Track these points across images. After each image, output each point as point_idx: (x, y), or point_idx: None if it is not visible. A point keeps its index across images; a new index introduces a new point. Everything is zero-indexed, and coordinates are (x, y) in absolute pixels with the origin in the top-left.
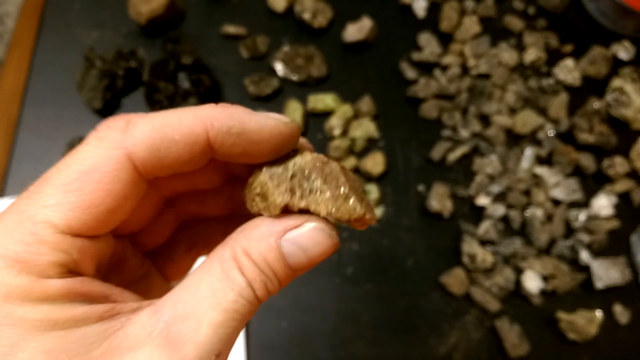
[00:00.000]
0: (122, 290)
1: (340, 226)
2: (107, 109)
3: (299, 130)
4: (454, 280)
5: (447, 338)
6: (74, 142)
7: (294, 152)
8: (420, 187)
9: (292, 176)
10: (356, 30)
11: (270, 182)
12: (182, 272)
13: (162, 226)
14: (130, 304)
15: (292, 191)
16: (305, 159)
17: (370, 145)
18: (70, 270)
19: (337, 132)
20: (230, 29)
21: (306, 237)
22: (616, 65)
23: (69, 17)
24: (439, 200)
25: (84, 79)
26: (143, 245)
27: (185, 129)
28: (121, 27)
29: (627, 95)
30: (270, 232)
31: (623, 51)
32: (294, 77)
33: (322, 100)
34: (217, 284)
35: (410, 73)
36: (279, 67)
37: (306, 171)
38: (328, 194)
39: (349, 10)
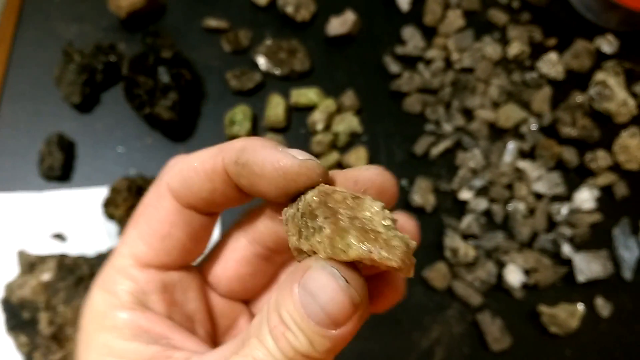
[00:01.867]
0: (185, 334)
1: None
2: (86, 103)
3: (317, 169)
4: (437, 274)
5: (430, 332)
6: (52, 138)
7: (312, 188)
8: (403, 182)
9: (302, 215)
10: (339, 24)
11: (285, 226)
12: None
13: (259, 280)
14: (179, 354)
15: (299, 233)
16: (312, 194)
17: (353, 139)
18: (140, 301)
19: (319, 126)
20: (212, 22)
21: (312, 278)
22: (600, 59)
23: (48, 11)
24: (422, 194)
25: (62, 73)
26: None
27: (206, 160)
28: (101, 21)
29: (610, 89)
30: (291, 279)
31: (606, 45)
32: (277, 71)
33: (305, 95)
34: (248, 333)
35: (393, 67)
36: (262, 61)
37: (312, 207)
38: (328, 231)
39: (333, 3)
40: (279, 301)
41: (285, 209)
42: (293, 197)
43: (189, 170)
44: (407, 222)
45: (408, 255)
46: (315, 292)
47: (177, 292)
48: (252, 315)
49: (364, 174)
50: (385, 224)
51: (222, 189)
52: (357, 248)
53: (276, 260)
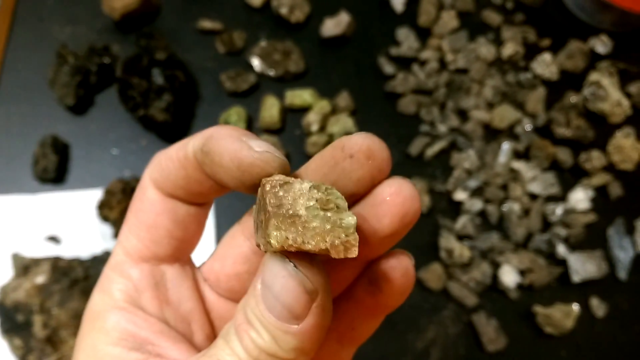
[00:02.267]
0: (172, 340)
1: None
2: (80, 105)
3: (273, 162)
4: (432, 275)
5: (425, 333)
6: (46, 140)
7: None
8: None
9: (258, 210)
10: (334, 25)
11: (252, 222)
12: None
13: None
14: None
15: (256, 227)
16: (259, 190)
17: None
18: (134, 300)
19: (314, 127)
20: (207, 23)
21: (267, 270)
22: (594, 60)
23: (42, 13)
24: None
25: (56, 75)
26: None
27: (178, 149)
28: (95, 22)
29: (604, 89)
30: (257, 274)
31: (600, 45)
32: (271, 73)
33: (300, 96)
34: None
35: (388, 68)
36: (256, 63)
37: (259, 201)
38: (261, 222)
39: (327, 5)
40: (245, 299)
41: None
42: (253, 188)
43: (166, 159)
44: (377, 149)
45: (335, 233)
46: (270, 283)
47: (171, 288)
48: None
49: (350, 139)
50: (310, 205)
51: (195, 176)
52: (274, 237)
53: None
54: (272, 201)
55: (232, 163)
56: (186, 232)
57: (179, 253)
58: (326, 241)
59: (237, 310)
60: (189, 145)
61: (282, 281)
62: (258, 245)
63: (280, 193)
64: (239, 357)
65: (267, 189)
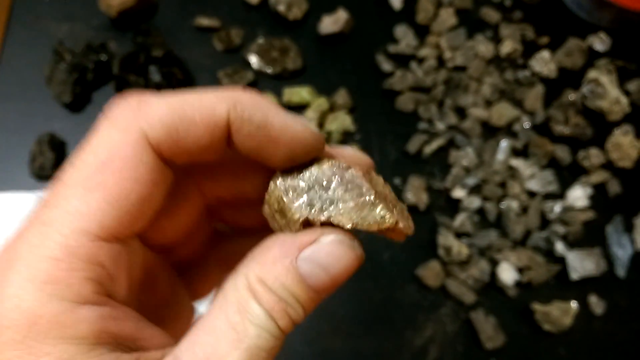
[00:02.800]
0: (151, 328)
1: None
2: (77, 103)
3: (323, 142)
4: (430, 272)
5: (423, 331)
6: (43, 137)
7: (310, 161)
8: (397, 180)
9: (309, 188)
10: (332, 22)
11: (285, 197)
12: (210, 291)
13: (197, 237)
14: (153, 353)
15: (310, 204)
16: (322, 168)
17: (346, 138)
18: (106, 290)
19: (312, 125)
20: (204, 21)
21: (325, 253)
22: (592, 57)
23: (38, 10)
24: (415, 193)
25: (53, 72)
26: (176, 259)
27: (206, 110)
28: (92, 20)
29: (603, 87)
30: (285, 252)
31: (599, 43)
32: (269, 70)
33: (298, 93)
34: (235, 317)
35: (386, 65)
36: (254, 60)
37: (324, 181)
38: (351, 203)
39: (325, 2)
40: (278, 279)
41: (280, 179)
42: (289, 163)
43: (183, 119)
44: (360, 159)
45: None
46: (327, 263)
47: (137, 268)
48: (168, 268)
49: (341, 152)
50: (393, 195)
51: (219, 145)
52: (389, 217)
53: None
54: (379, 182)
55: (293, 142)
56: (181, 218)
57: (159, 237)
58: (410, 227)
59: (251, 285)
60: (222, 110)
61: (346, 263)
62: (295, 222)
63: (369, 179)
64: (276, 338)
65: (356, 172)
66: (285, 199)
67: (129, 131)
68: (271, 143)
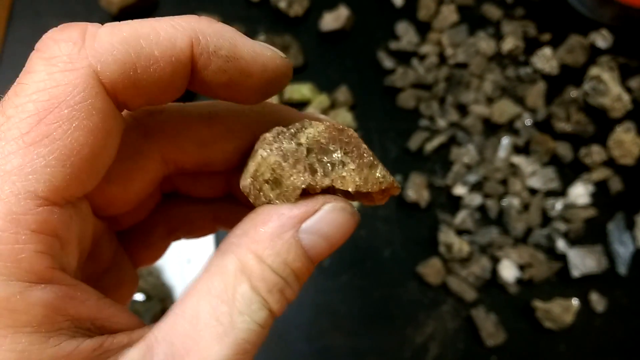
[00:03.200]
0: (112, 306)
1: None
2: None
3: (292, 69)
4: (431, 270)
5: (424, 328)
6: None
7: (301, 123)
8: (398, 178)
9: (308, 151)
10: (333, 19)
11: (285, 163)
12: (154, 258)
13: (146, 205)
14: (119, 336)
15: (312, 169)
16: (318, 129)
17: None
18: (59, 264)
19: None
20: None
21: (327, 222)
22: (594, 54)
23: (39, 7)
24: (416, 190)
25: None
26: (117, 225)
27: (165, 43)
28: (92, 17)
29: (605, 84)
30: (284, 225)
31: (601, 40)
32: None
33: (299, 91)
34: (221, 307)
35: (387, 62)
36: None
37: (322, 143)
38: (352, 165)
39: None
40: (280, 255)
41: (274, 145)
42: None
43: (139, 54)
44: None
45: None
46: (329, 232)
47: (88, 233)
48: (110, 233)
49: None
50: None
51: (181, 82)
52: (387, 178)
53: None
54: (365, 144)
55: (268, 72)
56: (139, 186)
57: (110, 205)
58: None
59: (247, 266)
60: (179, 43)
61: (346, 229)
62: (296, 188)
63: (356, 143)
64: (264, 328)
65: (352, 133)
66: (284, 165)
67: (74, 70)
68: (242, 76)
